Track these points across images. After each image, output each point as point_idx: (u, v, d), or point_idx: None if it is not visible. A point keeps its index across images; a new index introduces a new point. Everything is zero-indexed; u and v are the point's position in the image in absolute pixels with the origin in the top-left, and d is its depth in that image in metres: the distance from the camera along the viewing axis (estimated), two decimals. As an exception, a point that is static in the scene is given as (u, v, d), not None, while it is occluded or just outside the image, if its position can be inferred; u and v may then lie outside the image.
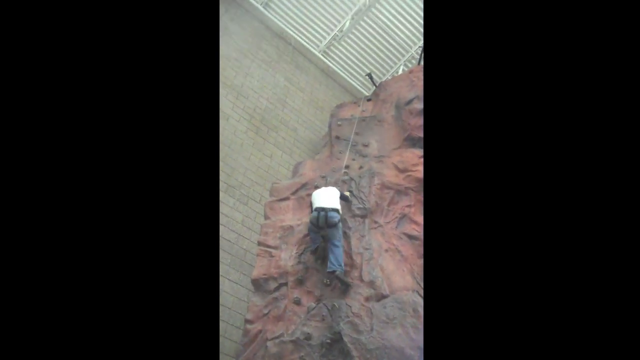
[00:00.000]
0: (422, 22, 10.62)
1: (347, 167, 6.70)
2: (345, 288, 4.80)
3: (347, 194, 5.86)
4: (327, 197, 5.37)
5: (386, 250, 5.32)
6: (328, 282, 4.98)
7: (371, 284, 4.81)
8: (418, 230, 5.74)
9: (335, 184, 6.16)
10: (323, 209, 5.17)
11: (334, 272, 4.83)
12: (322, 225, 5.11)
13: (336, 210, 5.21)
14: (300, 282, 5.14)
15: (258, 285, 5.37)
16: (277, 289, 5.23)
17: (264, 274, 5.39)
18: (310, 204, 5.57)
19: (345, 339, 4.33)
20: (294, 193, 6.55)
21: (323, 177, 6.59)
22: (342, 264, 4.93)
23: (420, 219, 5.92)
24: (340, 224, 5.21)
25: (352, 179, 6.11)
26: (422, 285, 5.00)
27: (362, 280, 4.90)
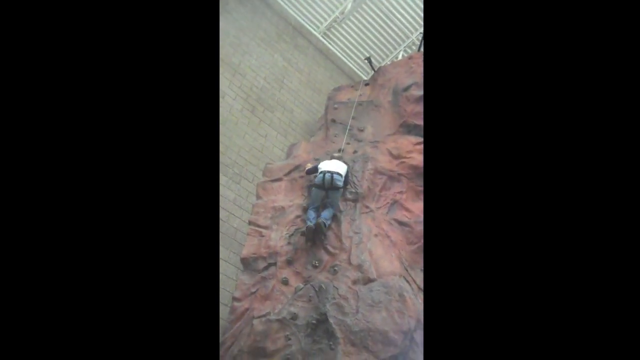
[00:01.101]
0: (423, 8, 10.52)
1: (340, 150, 6.70)
2: (318, 236, 5.21)
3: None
4: (334, 164, 5.71)
5: (375, 235, 5.37)
6: (316, 264, 5.03)
7: (359, 267, 4.86)
8: (408, 217, 5.78)
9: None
10: (329, 172, 5.52)
11: (324, 223, 5.19)
12: (327, 186, 5.46)
13: (341, 175, 5.55)
14: (289, 262, 5.18)
15: (247, 264, 5.40)
16: (265, 268, 5.26)
17: (254, 253, 5.42)
18: (315, 170, 5.87)
19: (331, 320, 4.39)
20: (287, 174, 6.55)
21: (317, 159, 6.59)
22: (329, 221, 5.33)
23: (411, 205, 5.96)
24: (341, 190, 5.56)
25: (345, 163, 6.11)
26: (409, 272, 5.06)
27: (350, 263, 4.94)
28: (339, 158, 6.08)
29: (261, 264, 5.30)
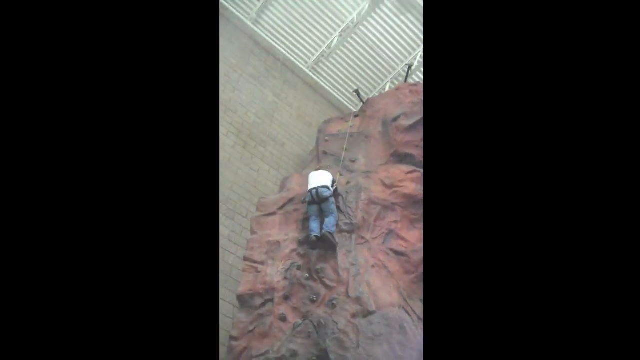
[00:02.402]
0: (408, 40, 10.78)
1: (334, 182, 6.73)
2: (331, 246, 5.40)
3: (338, 178, 6.52)
4: (318, 178, 6.13)
5: (373, 266, 5.32)
6: (314, 299, 4.95)
7: (357, 300, 4.80)
8: (404, 246, 5.76)
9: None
10: (314, 188, 5.96)
11: (330, 233, 5.45)
12: (317, 201, 5.90)
13: (326, 187, 5.97)
14: (286, 298, 5.10)
15: (243, 301, 5.31)
16: (262, 305, 5.17)
17: (250, 290, 5.33)
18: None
19: (332, 356, 4.29)
20: (280, 208, 6.53)
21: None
22: (334, 228, 5.58)
23: (406, 234, 5.95)
24: (332, 199, 5.91)
25: (339, 194, 6.14)
26: (408, 302, 5.00)
27: (348, 296, 4.88)
28: (325, 168, 6.52)
29: (258, 301, 5.21)
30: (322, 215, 5.88)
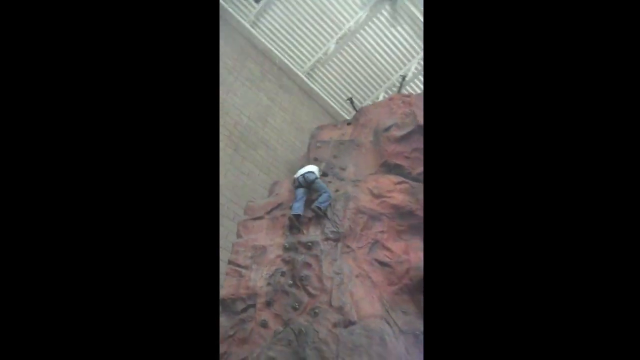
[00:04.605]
0: (404, 51, 10.85)
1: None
2: (321, 219, 5.88)
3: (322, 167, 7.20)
4: (305, 168, 6.71)
5: (357, 276, 5.32)
6: (297, 306, 4.94)
7: (340, 309, 4.79)
8: (389, 257, 5.76)
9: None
10: (301, 174, 6.51)
11: (318, 207, 5.89)
12: (304, 185, 6.38)
13: (312, 172, 6.50)
14: (268, 304, 5.08)
15: (225, 305, 5.27)
16: (244, 310, 5.14)
17: (232, 294, 5.30)
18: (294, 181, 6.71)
19: (310, 365, 4.27)
20: (268, 212, 6.52)
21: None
22: (326, 203, 6.02)
23: (392, 245, 5.95)
24: (318, 180, 6.40)
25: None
26: (390, 313, 5.00)
27: (330, 305, 4.87)
28: (313, 162, 7.16)
29: (240, 306, 5.18)
30: (308, 195, 6.32)
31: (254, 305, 5.12)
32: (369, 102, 11.47)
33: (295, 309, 4.93)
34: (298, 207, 6.10)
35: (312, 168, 6.73)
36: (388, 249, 5.87)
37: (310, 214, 6.09)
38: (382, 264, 5.62)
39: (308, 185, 6.38)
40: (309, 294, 5.06)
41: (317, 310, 4.82)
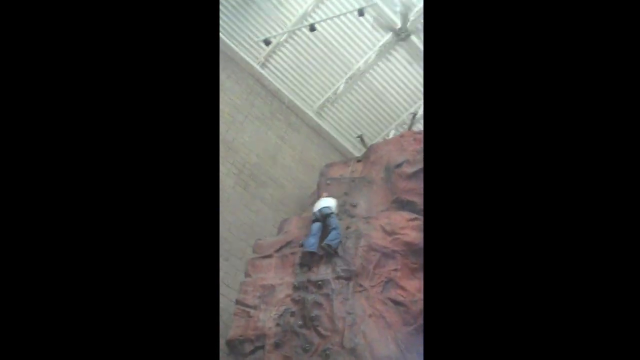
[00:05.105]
0: (413, 89, 10.92)
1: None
2: (332, 258, 5.74)
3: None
4: (322, 202, 6.80)
5: (370, 316, 5.09)
6: (307, 348, 4.70)
7: (352, 351, 4.55)
8: (404, 296, 5.54)
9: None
10: (318, 209, 6.58)
11: (328, 245, 5.78)
12: (321, 218, 6.39)
13: (328, 207, 6.57)
14: (277, 346, 4.85)
15: (233, 346, 5.06)
16: (252, 352, 4.92)
17: (240, 335, 5.09)
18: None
19: (322, 412, 4.01)
20: (277, 251, 6.36)
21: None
22: (336, 241, 5.91)
23: (406, 284, 5.73)
24: (333, 215, 6.41)
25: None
26: (406, 355, 4.74)
27: (343, 346, 4.63)
28: (327, 196, 7.17)
29: (248, 347, 4.97)
30: (323, 232, 6.20)
31: (262, 347, 4.90)
32: (379, 139, 11.46)
33: (305, 350, 4.69)
34: (313, 244, 5.94)
35: (330, 202, 6.73)
36: (402, 288, 5.64)
37: (320, 251, 5.90)
38: (397, 303, 5.39)
39: (324, 219, 6.32)
40: (320, 335, 4.83)
41: (328, 352, 4.58)
